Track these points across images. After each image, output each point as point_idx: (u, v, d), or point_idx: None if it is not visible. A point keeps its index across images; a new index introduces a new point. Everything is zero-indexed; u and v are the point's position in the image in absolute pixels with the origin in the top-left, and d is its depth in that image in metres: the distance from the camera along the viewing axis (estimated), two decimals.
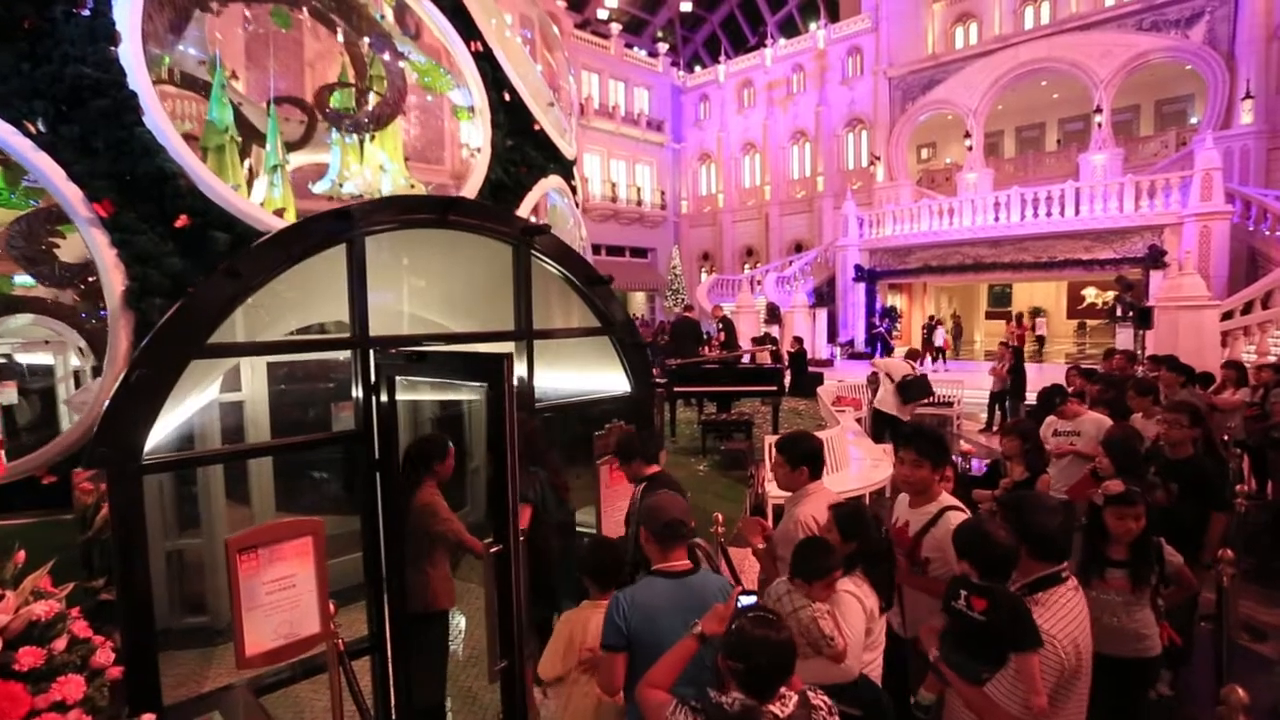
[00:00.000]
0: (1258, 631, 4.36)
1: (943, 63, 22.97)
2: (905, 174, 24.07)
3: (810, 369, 14.03)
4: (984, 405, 11.74)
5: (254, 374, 4.64)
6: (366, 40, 5.11)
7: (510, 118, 5.34)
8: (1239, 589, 4.10)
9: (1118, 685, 2.62)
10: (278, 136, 5.11)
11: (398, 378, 3.00)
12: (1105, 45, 19.61)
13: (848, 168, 26.58)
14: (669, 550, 2.28)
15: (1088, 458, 4.22)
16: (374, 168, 5.68)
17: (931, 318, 20.69)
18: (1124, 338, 15.04)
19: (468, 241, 3.63)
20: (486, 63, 5.17)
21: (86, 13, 3.52)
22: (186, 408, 3.41)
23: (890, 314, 21.23)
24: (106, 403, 2.37)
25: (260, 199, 4.99)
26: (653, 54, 31.02)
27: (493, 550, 2.49)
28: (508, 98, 5.34)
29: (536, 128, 5.59)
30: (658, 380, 4.36)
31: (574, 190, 6.75)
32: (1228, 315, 12.50)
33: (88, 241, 3.44)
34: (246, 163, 5.38)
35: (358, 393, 3.01)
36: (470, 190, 4.68)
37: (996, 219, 18.19)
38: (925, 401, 10.75)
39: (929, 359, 18.46)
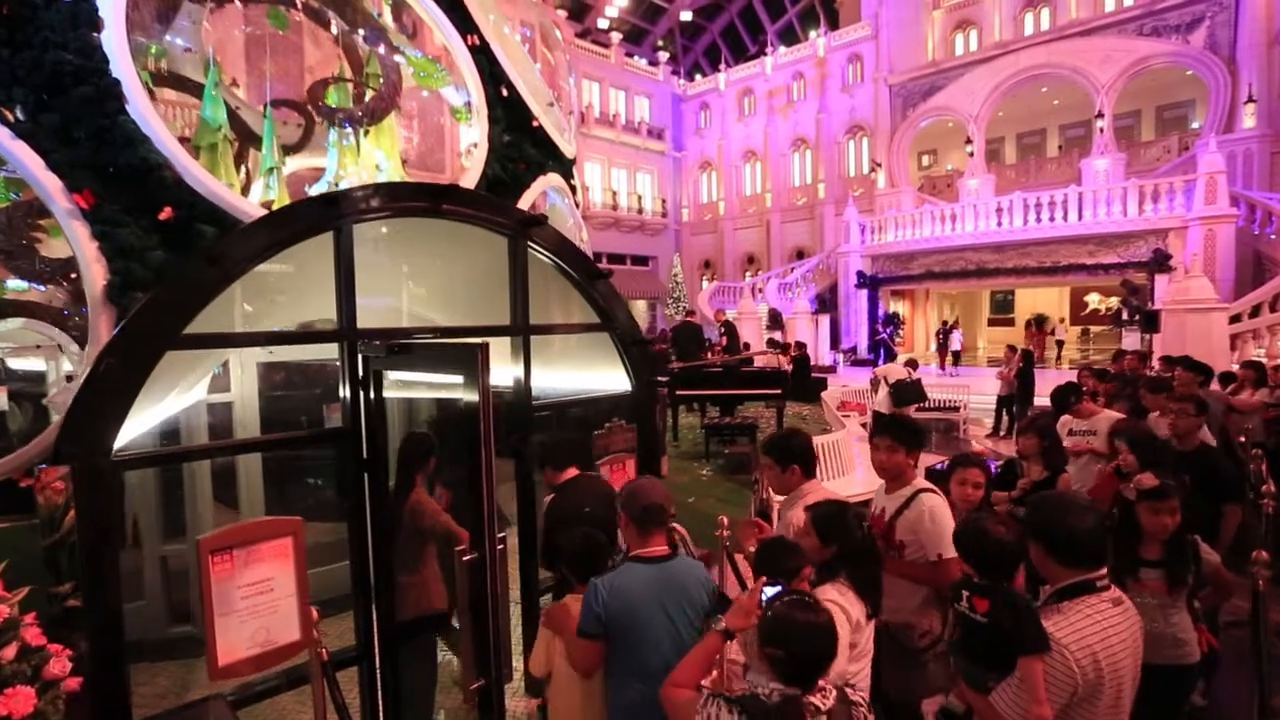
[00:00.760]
0: None
1: (943, 69, 22.96)
2: (907, 181, 24.00)
3: (813, 374, 13.87)
4: (988, 411, 11.59)
5: (244, 375, 4.50)
6: (361, 33, 5.00)
7: (508, 113, 5.23)
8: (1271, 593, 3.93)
9: (1154, 695, 2.45)
10: (274, 139, 5.01)
11: (397, 376, 2.87)
12: (1105, 51, 19.59)
13: (849, 175, 26.54)
14: (648, 535, 2.25)
15: (1104, 456, 4.08)
16: (369, 168, 5.57)
17: (945, 322, 20.56)
18: (1130, 342, 14.89)
19: (463, 235, 3.50)
20: (483, 56, 5.07)
21: None
22: (167, 406, 3.26)
23: (893, 320, 21.09)
24: (73, 395, 2.23)
25: (256, 202, 4.89)
26: (653, 63, 31.09)
27: (466, 559, 2.33)
28: (505, 93, 5.24)
29: (535, 124, 5.48)
30: (659, 379, 4.20)
31: (574, 190, 6.64)
32: (1235, 319, 12.36)
33: (67, 234, 3.31)
34: (243, 168, 5.28)
35: (345, 388, 2.87)
36: (467, 185, 4.56)
37: (999, 224, 18.10)
38: (928, 406, 10.65)
39: (944, 363, 18.34)
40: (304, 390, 5.43)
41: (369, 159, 5.51)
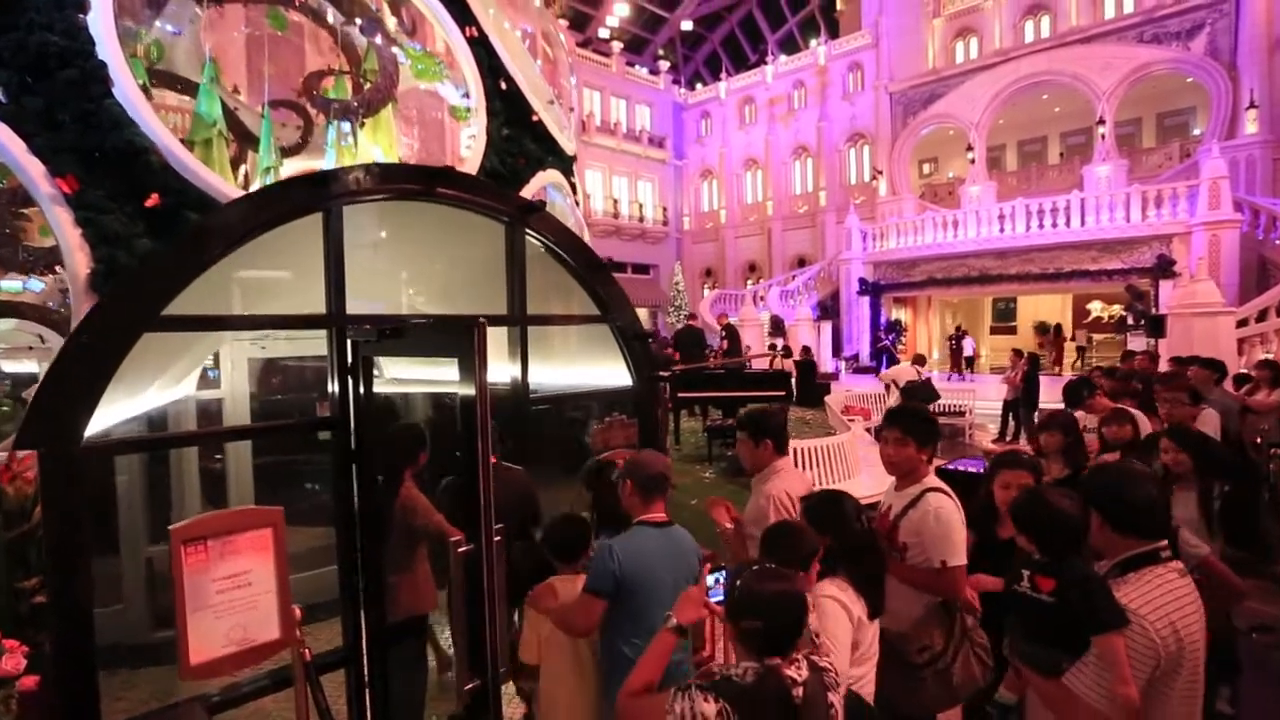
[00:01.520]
0: None
1: (943, 77, 22.98)
2: (908, 188, 23.97)
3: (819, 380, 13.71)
4: (992, 416, 11.47)
5: (234, 371, 4.39)
6: (359, 22, 4.93)
7: (507, 107, 5.15)
8: None
9: None
10: (272, 140, 4.92)
11: (393, 373, 2.75)
12: (1106, 58, 19.59)
13: (850, 182, 26.51)
14: (651, 502, 2.37)
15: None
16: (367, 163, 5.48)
17: (959, 328, 20.43)
18: (1136, 346, 14.74)
19: (458, 224, 3.39)
20: (482, 49, 5.00)
21: None
22: (150, 398, 3.14)
23: (895, 328, 20.97)
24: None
25: None
26: (654, 72, 31.20)
27: (461, 550, 2.20)
28: (504, 86, 5.16)
29: (535, 119, 5.39)
30: (662, 374, 4.08)
31: (574, 188, 6.55)
32: (1242, 323, 12.24)
33: (50, 220, 3.21)
34: (241, 169, 5.20)
35: (334, 376, 2.75)
36: None
37: (1001, 230, 18.01)
38: (935, 411, 10.50)
39: (957, 369, 18.19)
40: (298, 392, 5.32)
41: (366, 155, 5.43)
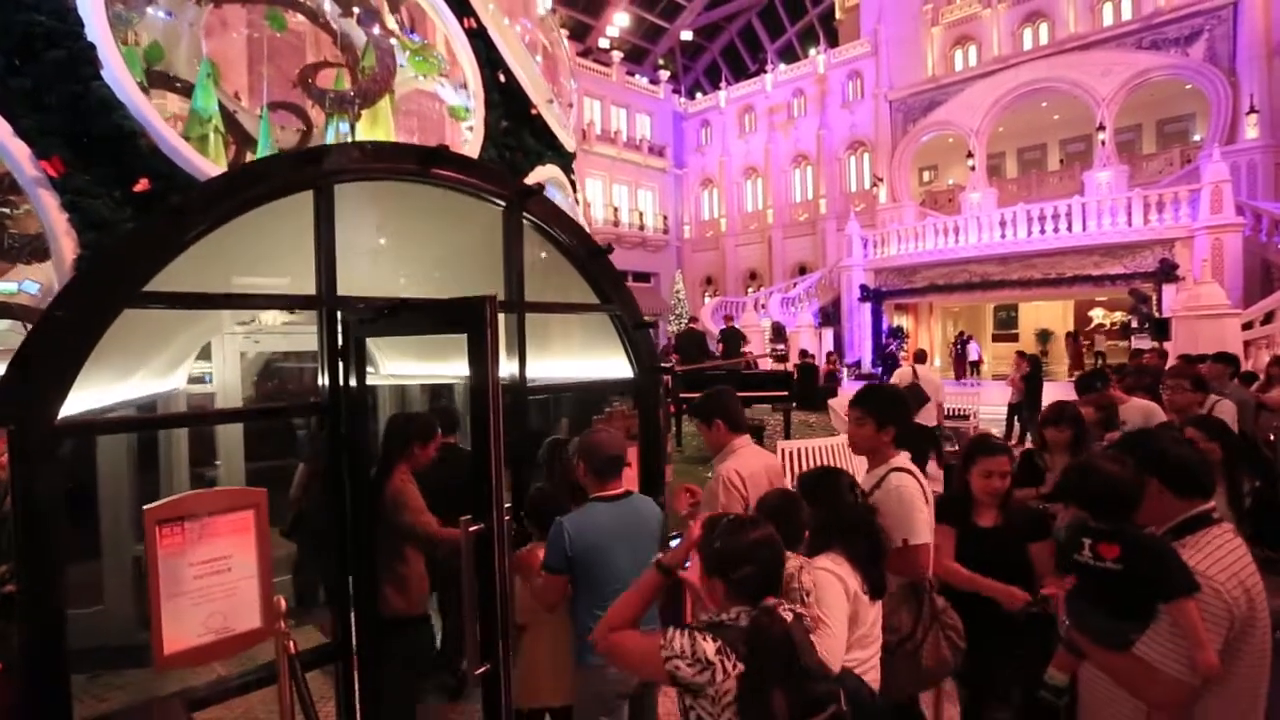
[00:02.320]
0: None
1: (943, 85, 23.05)
2: (908, 195, 23.97)
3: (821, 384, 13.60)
4: (996, 420, 11.37)
5: (226, 365, 4.29)
6: (357, 11, 4.88)
7: (506, 100, 5.08)
8: None
9: None
10: (270, 140, 4.86)
11: (390, 369, 2.66)
12: (1105, 64, 19.63)
13: (850, 190, 26.54)
14: (606, 481, 2.46)
15: None
16: None
17: (962, 333, 20.33)
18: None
19: (454, 211, 3.31)
20: (480, 41, 4.93)
21: None
22: (135, 386, 3.04)
23: (897, 334, 20.89)
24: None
25: None
26: (654, 81, 31.32)
27: (472, 529, 2.10)
28: (503, 79, 5.09)
29: (534, 112, 5.32)
30: (663, 366, 3.99)
31: (573, 186, 6.48)
32: (1248, 325, 12.16)
33: (34, 204, 3.12)
34: None
35: (324, 360, 2.65)
36: None
37: (1003, 236, 17.97)
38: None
39: (962, 374, 18.08)
40: (296, 397, 5.22)
41: None
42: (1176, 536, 1.77)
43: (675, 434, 8.61)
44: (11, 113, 3.09)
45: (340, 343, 2.62)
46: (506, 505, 2.14)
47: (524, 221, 3.33)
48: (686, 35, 32.16)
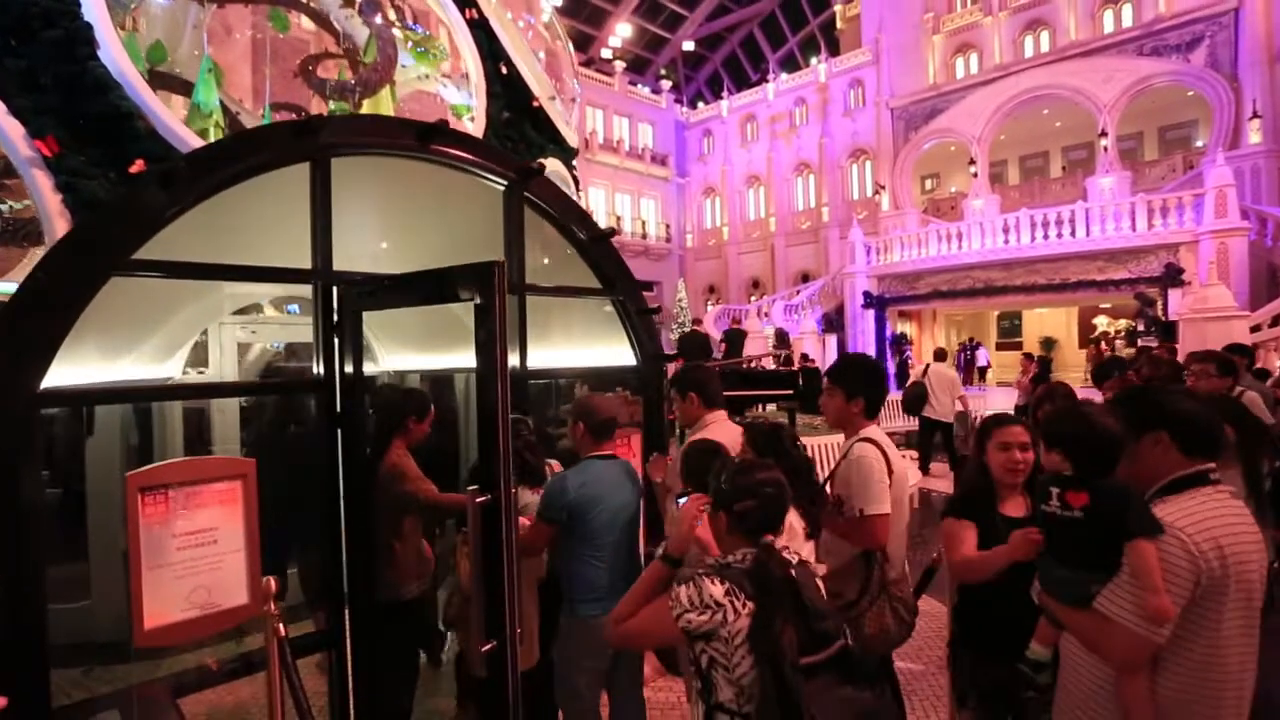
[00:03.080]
0: None
1: (944, 92, 23.10)
2: (910, 203, 23.96)
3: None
4: None
5: (223, 356, 4.23)
6: (358, 1, 4.86)
7: (507, 91, 5.05)
8: None
9: None
10: None
11: (389, 364, 2.59)
12: (1107, 70, 19.66)
13: (852, 198, 26.55)
14: (601, 442, 2.63)
15: None
16: None
17: (970, 339, 20.22)
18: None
19: (453, 192, 3.25)
20: (481, 32, 4.92)
21: None
22: (126, 369, 2.98)
23: (900, 341, 20.81)
24: None
25: None
26: (656, 91, 31.47)
27: (479, 500, 2.02)
28: (505, 71, 5.06)
29: (536, 104, 5.29)
30: (667, 354, 3.92)
31: (576, 182, 6.44)
32: (1255, 328, 12.06)
33: (28, 185, 3.07)
34: None
35: (318, 336, 2.59)
36: None
37: (1006, 242, 17.91)
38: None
39: (970, 379, 17.98)
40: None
41: None
42: (1165, 494, 1.67)
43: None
44: (6, 92, 3.05)
45: (336, 319, 2.56)
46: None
47: (525, 203, 3.28)
48: (688, 45, 32.36)
